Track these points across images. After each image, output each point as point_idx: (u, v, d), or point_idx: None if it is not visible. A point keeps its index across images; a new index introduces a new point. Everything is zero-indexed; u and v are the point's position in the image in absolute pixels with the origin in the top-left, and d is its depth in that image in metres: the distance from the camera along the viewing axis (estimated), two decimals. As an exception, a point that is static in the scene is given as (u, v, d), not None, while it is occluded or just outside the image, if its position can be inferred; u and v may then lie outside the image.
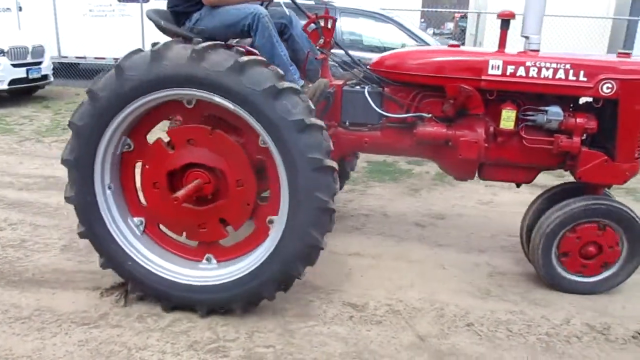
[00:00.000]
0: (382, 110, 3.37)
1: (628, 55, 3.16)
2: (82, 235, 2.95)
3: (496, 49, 3.28)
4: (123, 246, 2.92)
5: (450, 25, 29.31)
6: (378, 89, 3.41)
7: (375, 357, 2.61)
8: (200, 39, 2.71)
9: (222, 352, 2.63)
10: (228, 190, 2.83)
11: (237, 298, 2.82)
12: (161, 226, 3.07)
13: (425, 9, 14.30)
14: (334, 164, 2.63)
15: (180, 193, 2.72)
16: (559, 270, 3.25)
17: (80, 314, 2.90)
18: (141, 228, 3.02)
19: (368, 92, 3.36)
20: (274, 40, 3.10)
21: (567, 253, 3.20)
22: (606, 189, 3.44)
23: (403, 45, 6.07)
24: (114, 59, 11.60)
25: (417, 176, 5.74)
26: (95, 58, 11.71)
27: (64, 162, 2.82)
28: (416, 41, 6.21)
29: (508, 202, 4.92)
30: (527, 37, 3.29)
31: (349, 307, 3.04)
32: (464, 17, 18.48)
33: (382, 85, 3.42)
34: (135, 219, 3.02)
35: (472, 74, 3.16)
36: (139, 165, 2.96)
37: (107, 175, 2.87)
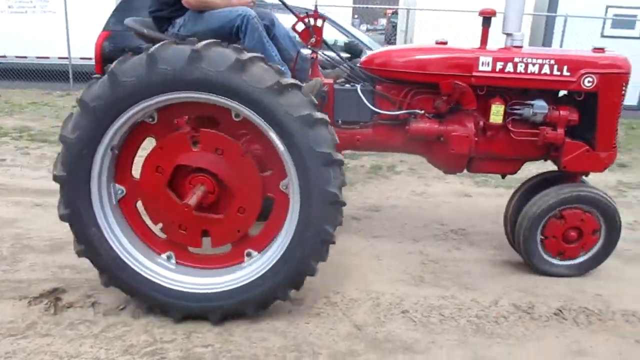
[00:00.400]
0: (375, 108, 3.40)
1: (602, 50, 3.34)
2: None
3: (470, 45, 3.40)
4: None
5: (383, 22, 29.85)
6: (370, 87, 3.43)
7: (313, 349, 2.65)
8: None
9: (159, 354, 2.59)
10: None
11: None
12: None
13: (357, 5, 14.46)
14: (342, 158, 2.65)
15: (192, 201, 2.68)
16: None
17: (6, 325, 2.77)
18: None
19: (361, 89, 3.37)
20: (264, 41, 3.06)
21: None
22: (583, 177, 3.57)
23: (335, 42, 6.12)
24: (37, 57, 11.11)
25: (352, 170, 5.83)
26: (17, 57, 11.11)
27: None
28: (348, 37, 6.28)
29: (440, 193, 5.11)
30: (509, 34, 3.40)
31: (287, 301, 3.06)
32: (395, 13, 18.89)
33: (373, 83, 3.44)
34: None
35: (463, 71, 3.25)
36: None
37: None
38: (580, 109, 3.31)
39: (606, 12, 11.35)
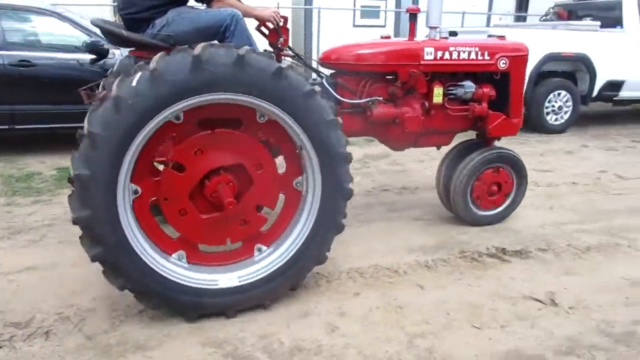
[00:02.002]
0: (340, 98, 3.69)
1: (504, 37, 4.16)
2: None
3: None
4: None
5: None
6: (333, 80, 3.78)
7: (34, 371, 2.48)
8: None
9: None
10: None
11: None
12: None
13: (114, 4, 13.74)
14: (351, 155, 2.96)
15: (228, 200, 2.74)
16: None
17: None
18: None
19: (327, 82, 3.66)
20: (252, 41, 3.09)
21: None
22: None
23: (84, 43, 5.75)
24: None
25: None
26: None
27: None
28: (90, 36, 5.93)
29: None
30: (434, 27, 3.96)
31: (11, 327, 2.81)
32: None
33: (334, 76, 3.83)
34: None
35: (413, 60, 3.75)
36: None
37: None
38: (497, 86, 4.00)
39: (355, 4, 12.54)
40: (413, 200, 4.90)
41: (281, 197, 3.05)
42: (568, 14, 9.46)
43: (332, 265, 3.45)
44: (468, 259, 3.67)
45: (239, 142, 2.81)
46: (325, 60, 3.90)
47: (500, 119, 4.03)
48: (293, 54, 3.66)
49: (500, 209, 4.27)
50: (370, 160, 6.27)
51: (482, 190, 4.12)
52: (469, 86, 3.92)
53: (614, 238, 4.08)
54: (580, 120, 8.70)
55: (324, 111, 2.78)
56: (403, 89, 3.81)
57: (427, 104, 3.85)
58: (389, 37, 4.11)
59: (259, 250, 3.02)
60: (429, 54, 3.78)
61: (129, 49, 3.25)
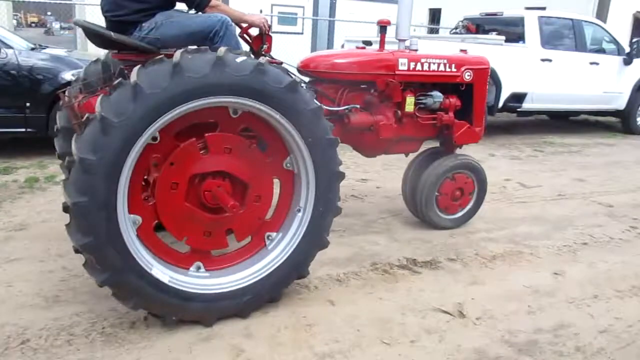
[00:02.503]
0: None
1: (465, 52, 4.41)
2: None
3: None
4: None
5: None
6: (311, 87, 3.77)
7: None
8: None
9: None
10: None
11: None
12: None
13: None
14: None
15: (231, 204, 2.75)
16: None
17: None
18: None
19: (307, 89, 3.44)
20: (240, 46, 3.12)
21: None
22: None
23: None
24: None
25: (1, 186, 5.09)
26: None
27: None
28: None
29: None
30: (403, 40, 4.21)
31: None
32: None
33: (312, 84, 3.88)
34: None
35: (389, 70, 3.91)
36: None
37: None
38: (462, 97, 4.21)
39: (272, 10, 12.44)
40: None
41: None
42: (476, 27, 9.87)
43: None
44: (380, 272, 3.64)
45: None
46: (304, 68, 4.00)
47: (465, 127, 4.27)
48: (276, 61, 3.66)
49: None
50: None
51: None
52: (437, 96, 4.11)
53: (517, 246, 4.22)
54: (488, 130, 9.07)
55: (307, 102, 2.83)
56: (380, 98, 3.99)
57: (399, 112, 4.01)
58: (364, 48, 4.34)
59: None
60: (403, 65, 3.96)
61: (111, 51, 3.31)
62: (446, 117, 4.16)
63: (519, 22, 8.89)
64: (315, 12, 13.04)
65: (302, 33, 12.73)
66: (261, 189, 2.94)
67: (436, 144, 4.53)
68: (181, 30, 3.09)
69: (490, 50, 8.43)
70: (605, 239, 4.53)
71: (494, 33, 9.12)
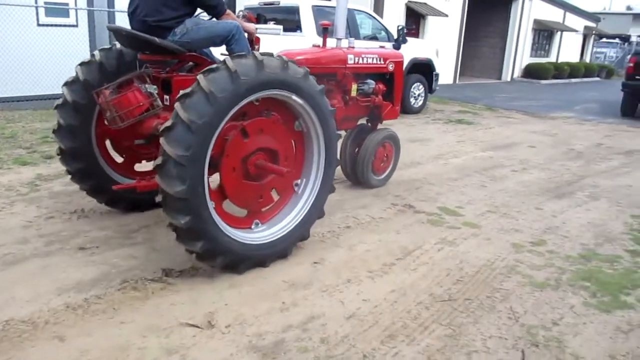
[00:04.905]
0: None
1: (384, 47, 6.09)
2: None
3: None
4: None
5: None
6: None
7: None
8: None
9: None
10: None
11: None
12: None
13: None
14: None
15: (285, 170, 3.66)
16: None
17: None
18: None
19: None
20: (249, 47, 3.88)
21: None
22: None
23: None
24: None
25: None
26: None
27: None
28: None
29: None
30: (340, 39, 5.12)
31: None
32: None
33: None
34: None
35: (343, 64, 4.99)
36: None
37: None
38: (386, 83, 5.51)
39: (36, 1, 11.06)
40: (84, 225, 4.31)
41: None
42: (256, 17, 9.84)
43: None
44: (129, 290, 3.29)
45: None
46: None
47: (389, 107, 5.63)
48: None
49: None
50: (42, 182, 5.41)
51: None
52: (371, 83, 5.34)
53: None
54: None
55: (316, 85, 3.67)
56: (337, 86, 5.04)
57: (347, 97, 5.15)
58: (319, 46, 5.03)
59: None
60: (350, 59, 5.06)
61: (139, 53, 3.86)
62: (378, 100, 5.42)
63: (294, 11, 9.05)
64: (90, 2, 11.93)
65: (76, 25, 11.54)
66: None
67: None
68: (207, 34, 3.76)
69: (268, 40, 8.46)
70: (367, 219, 4.74)
71: (272, 22, 9.17)
